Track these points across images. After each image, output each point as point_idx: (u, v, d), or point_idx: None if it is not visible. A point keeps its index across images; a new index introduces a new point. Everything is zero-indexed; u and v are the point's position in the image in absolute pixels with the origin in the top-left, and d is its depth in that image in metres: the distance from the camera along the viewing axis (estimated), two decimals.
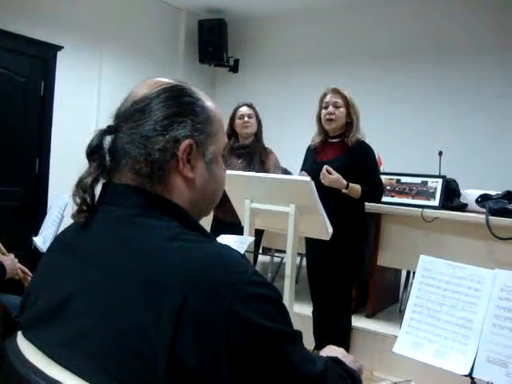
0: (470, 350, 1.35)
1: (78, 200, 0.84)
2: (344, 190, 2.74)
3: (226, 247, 0.80)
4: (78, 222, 0.88)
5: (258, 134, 3.33)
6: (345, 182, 2.72)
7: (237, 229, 2.58)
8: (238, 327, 0.69)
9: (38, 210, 4.60)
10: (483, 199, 3.12)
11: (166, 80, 0.89)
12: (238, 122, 3.27)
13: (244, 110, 3.30)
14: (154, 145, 0.82)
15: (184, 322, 0.68)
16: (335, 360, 0.94)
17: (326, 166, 2.72)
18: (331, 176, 2.70)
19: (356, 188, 2.76)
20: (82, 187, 0.84)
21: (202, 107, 0.88)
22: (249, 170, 3.11)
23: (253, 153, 3.26)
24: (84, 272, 0.79)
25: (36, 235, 2.87)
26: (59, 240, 0.93)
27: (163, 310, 0.69)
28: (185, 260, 0.74)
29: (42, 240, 2.75)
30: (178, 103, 0.86)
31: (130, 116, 0.85)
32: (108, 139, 0.86)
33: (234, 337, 0.69)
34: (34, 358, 0.79)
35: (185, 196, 0.86)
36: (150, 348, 0.68)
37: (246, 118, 3.26)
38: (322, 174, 2.71)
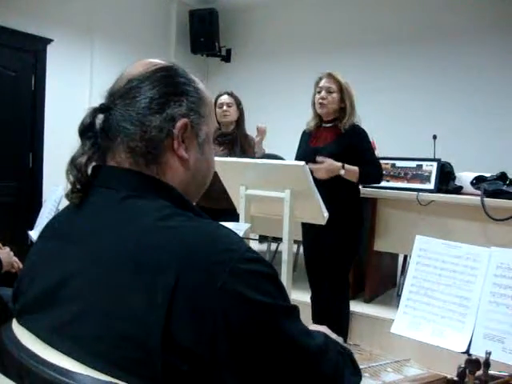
0: (467, 327, 1.35)
1: (72, 179, 0.83)
2: (341, 172, 2.72)
3: (219, 225, 0.79)
4: (69, 206, 0.87)
5: (239, 122, 3.34)
6: (338, 163, 2.71)
7: (221, 215, 2.56)
8: (234, 304, 0.69)
9: (32, 204, 4.58)
10: (478, 181, 3.13)
11: (159, 61, 0.89)
12: (217, 110, 3.28)
13: (224, 98, 3.31)
14: (151, 122, 0.82)
15: (178, 301, 0.68)
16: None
17: (316, 160, 2.69)
18: (323, 165, 2.68)
19: (353, 169, 2.75)
20: (76, 166, 0.83)
21: (195, 88, 0.88)
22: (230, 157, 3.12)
23: (234, 140, 3.29)
24: (75, 256, 0.79)
25: (32, 229, 2.86)
26: (50, 226, 0.92)
27: (156, 290, 0.69)
28: (177, 239, 0.73)
29: (38, 233, 2.74)
30: (174, 82, 0.86)
31: (125, 93, 0.84)
32: (100, 118, 0.85)
33: (231, 314, 0.68)
34: (30, 344, 0.78)
35: (178, 177, 0.86)
36: (143, 329, 0.68)
37: (224, 107, 3.28)
38: (313, 169, 2.62)
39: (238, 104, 3.34)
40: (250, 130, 3.53)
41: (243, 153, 3.26)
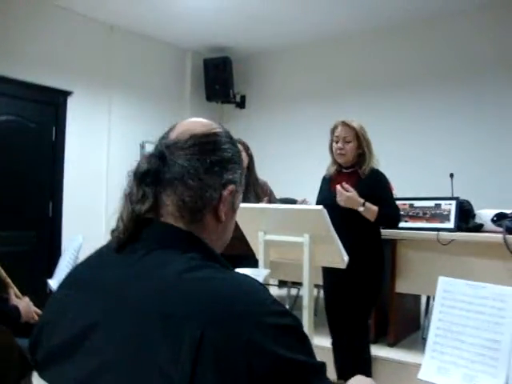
0: (500, 372, 1.30)
1: (121, 225, 0.84)
2: (360, 209, 2.71)
3: (245, 277, 0.79)
4: (90, 257, 0.89)
5: (249, 167, 3.36)
6: (361, 199, 2.71)
7: (238, 260, 2.55)
8: (260, 359, 0.67)
9: (51, 253, 4.62)
10: (499, 218, 3.08)
11: (215, 124, 0.94)
12: None
13: None
14: (210, 182, 0.85)
15: (203, 356, 0.66)
16: None
17: (339, 186, 2.70)
18: (347, 193, 2.68)
19: (373, 208, 2.74)
20: (135, 210, 0.83)
21: (240, 159, 0.94)
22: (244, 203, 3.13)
23: (247, 186, 3.29)
24: (99, 306, 0.78)
25: (50, 278, 2.87)
26: (72, 275, 0.92)
27: (182, 344, 0.67)
28: (203, 290, 0.73)
29: (57, 282, 2.74)
30: (233, 150, 0.92)
31: (187, 148, 0.86)
32: (155, 164, 0.85)
33: (256, 370, 0.67)
34: None
35: (211, 237, 0.89)
36: (168, 382, 0.66)
37: None
38: (337, 191, 2.68)
39: (247, 149, 3.37)
40: (266, 175, 3.55)
41: (257, 197, 3.27)
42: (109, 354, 0.73)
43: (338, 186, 2.71)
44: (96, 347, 0.75)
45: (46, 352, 0.83)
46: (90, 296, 0.81)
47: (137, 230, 0.83)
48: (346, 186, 2.70)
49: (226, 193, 0.87)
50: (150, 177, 0.84)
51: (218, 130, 0.91)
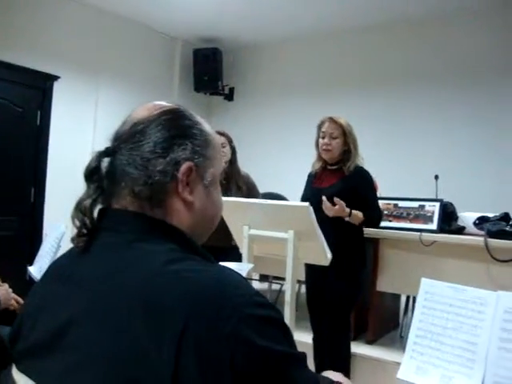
0: (476, 374, 1.32)
1: (78, 223, 0.83)
2: (347, 218, 2.74)
3: (227, 269, 0.78)
4: (73, 249, 0.86)
5: (232, 160, 3.37)
6: (347, 209, 2.72)
7: (221, 253, 2.55)
8: (242, 351, 0.67)
9: (33, 240, 4.57)
10: (481, 221, 3.12)
11: (165, 103, 0.89)
12: None
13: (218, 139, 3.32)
14: (155, 166, 0.82)
15: (186, 348, 0.66)
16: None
17: (325, 199, 2.70)
18: (335, 207, 2.67)
19: (359, 215, 2.77)
20: (81, 210, 0.82)
21: (200, 130, 0.88)
22: (226, 196, 3.13)
23: (229, 179, 3.31)
24: (80, 300, 0.77)
25: (31, 264, 2.84)
26: (53, 268, 0.91)
27: (165, 336, 0.67)
28: (185, 283, 0.72)
29: (38, 269, 2.71)
30: (178, 126, 0.86)
31: (129, 137, 0.84)
32: (106, 161, 0.85)
33: (239, 361, 0.67)
34: None
35: (184, 220, 0.85)
36: (152, 375, 0.67)
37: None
38: (323, 205, 2.68)
39: (230, 142, 3.39)
40: (252, 168, 3.55)
41: (238, 190, 3.29)
42: (90, 346, 0.72)
43: (325, 199, 2.69)
44: (76, 342, 0.74)
45: (26, 346, 0.82)
46: (71, 290, 0.80)
47: (103, 221, 0.84)
48: (336, 199, 2.68)
49: (180, 172, 0.83)
50: (94, 174, 0.84)
51: (159, 110, 0.86)
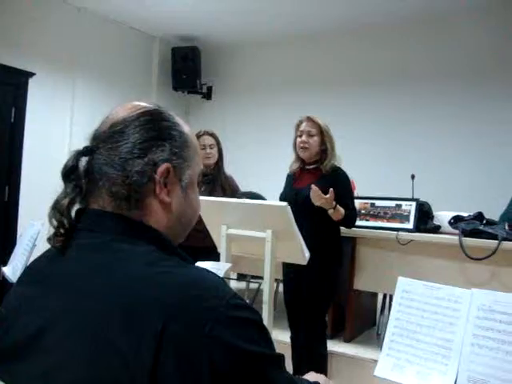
0: (450, 370, 1.34)
1: (55, 223, 0.82)
2: (330, 211, 2.75)
3: (204, 271, 0.78)
4: (51, 249, 0.85)
5: (219, 163, 3.37)
6: (334, 202, 2.74)
7: (199, 253, 2.54)
8: (220, 352, 0.68)
9: (6, 239, 4.47)
10: (456, 221, 3.17)
11: (144, 104, 0.89)
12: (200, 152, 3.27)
13: (206, 139, 3.31)
14: (133, 167, 0.82)
15: (165, 350, 0.66)
16: None
17: (315, 187, 2.72)
18: (326, 196, 2.69)
19: (341, 211, 2.78)
20: (59, 209, 0.81)
21: (179, 132, 0.88)
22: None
23: (215, 180, 3.31)
24: (57, 301, 0.76)
25: (5, 265, 2.79)
26: (30, 270, 0.89)
27: (143, 338, 0.67)
28: (163, 286, 0.72)
29: (12, 270, 2.66)
30: (157, 127, 0.85)
31: (108, 137, 0.84)
32: (83, 160, 0.84)
33: (217, 362, 0.67)
34: None
35: (161, 220, 0.85)
36: (129, 376, 0.66)
37: (208, 150, 3.29)
38: (312, 192, 2.70)
39: (218, 143, 3.37)
40: (230, 168, 3.54)
41: (223, 191, 3.28)
42: (68, 348, 0.71)
43: (314, 187, 2.71)
44: (55, 344, 0.73)
45: (2, 348, 0.80)
46: (48, 292, 0.79)
47: (81, 221, 0.83)
48: (331, 190, 2.70)
49: (158, 173, 0.83)
50: (71, 173, 0.83)
51: (138, 111, 0.86)
